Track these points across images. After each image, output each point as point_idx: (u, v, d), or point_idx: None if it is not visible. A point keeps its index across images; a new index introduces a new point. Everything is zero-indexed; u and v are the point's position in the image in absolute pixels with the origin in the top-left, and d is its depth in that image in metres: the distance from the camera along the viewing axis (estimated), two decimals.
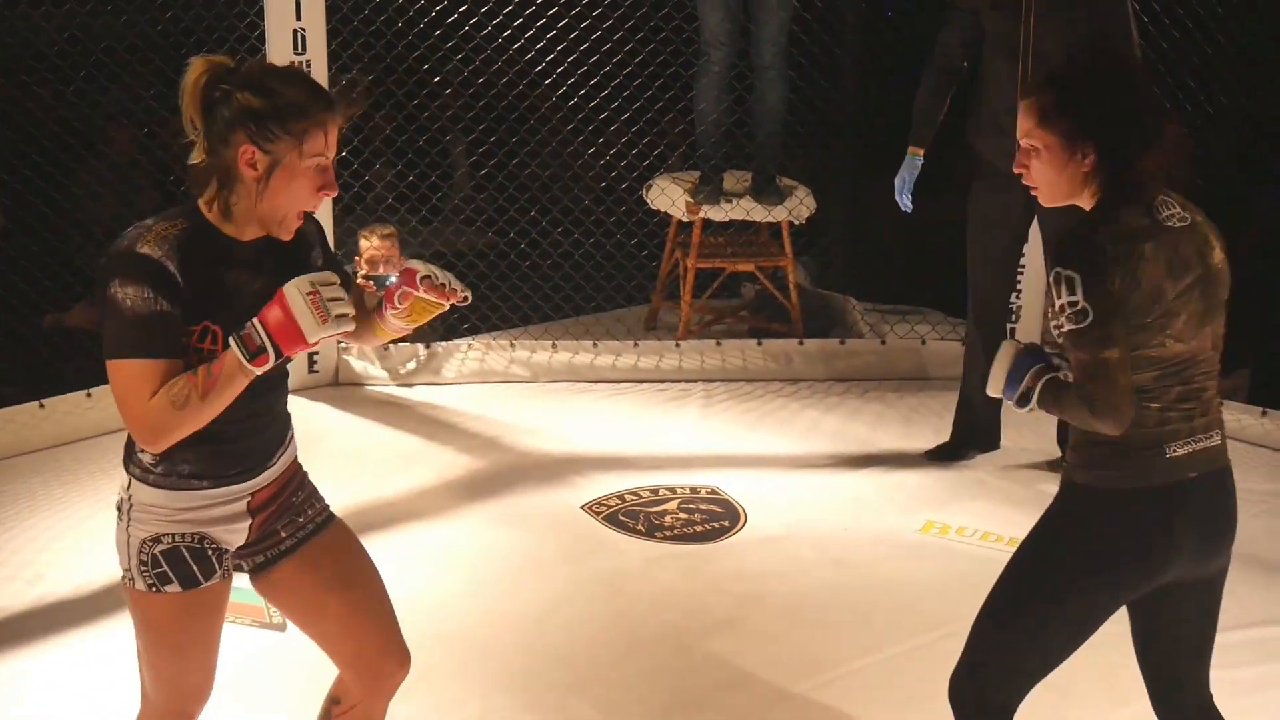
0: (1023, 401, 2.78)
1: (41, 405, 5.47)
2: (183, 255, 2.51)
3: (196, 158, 2.61)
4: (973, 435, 5.53)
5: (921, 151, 5.30)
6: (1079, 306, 2.61)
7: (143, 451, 2.63)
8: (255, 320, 2.47)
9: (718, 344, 6.43)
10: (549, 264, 6.71)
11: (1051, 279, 2.66)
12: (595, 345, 6.39)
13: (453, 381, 6.21)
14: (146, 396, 2.47)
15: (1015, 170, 2.85)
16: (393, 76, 6.52)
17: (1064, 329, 2.66)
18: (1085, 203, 2.79)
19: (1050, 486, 5.17)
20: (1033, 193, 2.85)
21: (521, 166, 6.85)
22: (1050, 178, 2.79)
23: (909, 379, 6.35)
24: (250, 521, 2.79)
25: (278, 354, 2.48)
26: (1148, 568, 2.79)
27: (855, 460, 5.53)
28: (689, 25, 6.43)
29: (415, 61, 6.47)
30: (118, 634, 4.15)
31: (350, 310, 2.52)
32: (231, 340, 2.47)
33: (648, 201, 6.73)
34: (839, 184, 7.88)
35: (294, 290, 2.47)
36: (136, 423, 2.51)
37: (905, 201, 5.35)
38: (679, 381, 6.34)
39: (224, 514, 2.74)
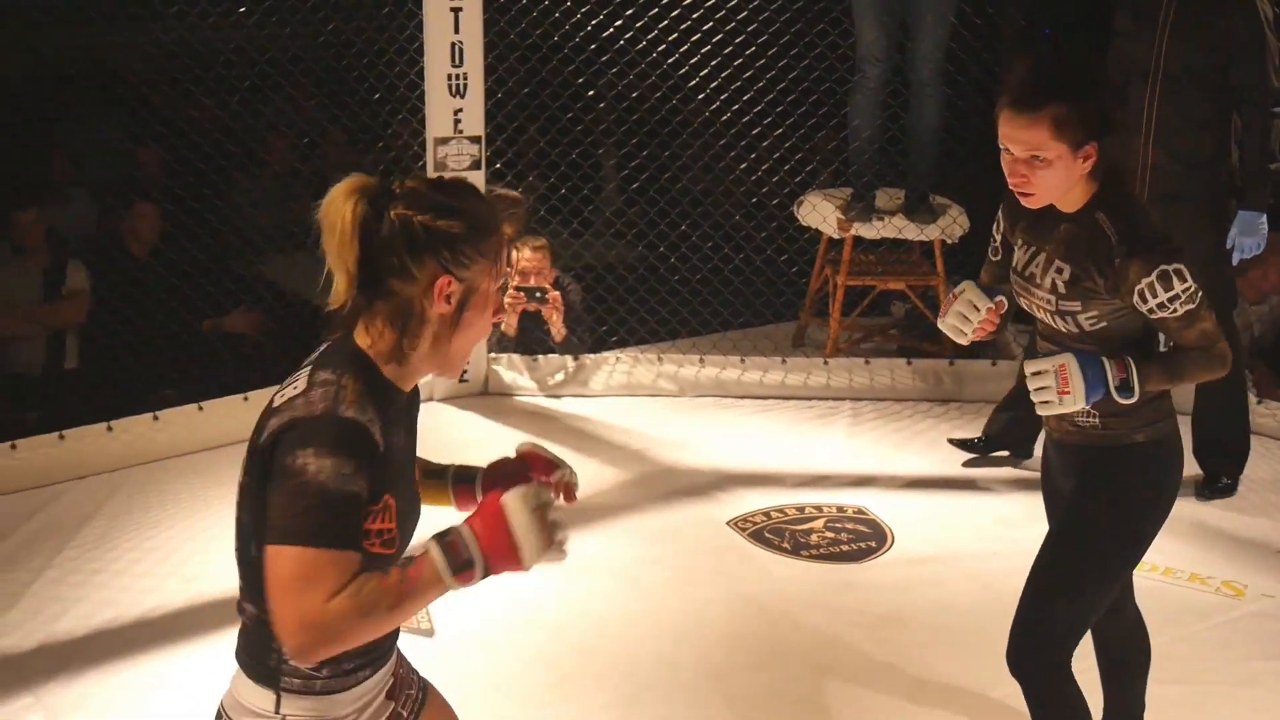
0: (1124, 393, 2.89)
1: (200, 408, 5.59)
2: (382, 418, 2.14)
3: (341, 300, 2.18)
4: (1012, 437, 5.51)
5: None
6: (1191, 289, 2.85)
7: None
8: (463, 528, 2.11)
9: (866, 362, 6.37)
10: (698, 278, 6.71)
11: (1157, 276, 2.83)
12: (743, 361, 6.37)
13: (600, 394, 6.24)
14: (324, 597, 2.02)
15: (1014, 185, 2.93)
16: (546, 90, 6.57)
17: (1176, 313, 2.86)
18: (1073, 201, 2.95)
19: (1195, 508, 5.12)
20: (1026, 201, 2.95)
21: (672, 180, 6.86)
22: (1057, 184, 2.91)
23: None
24: (392, 706, 2.41)
25: (486, 573, 2.11)
26: (1174, 499, 3.12)
27: (1005, 482, 5.44)
28: (844, 41, 6.39)
29: (569, 74, 6.52)
30: None
31: (569, 536, 2.19)
32: (434, 548, 2.08)
33: (799, 218, 6.70)
34: (993, 203, 7.77)
35: (519, 505, 2.11)
36: (304, 628, 2.02)
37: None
38: (826, 399, 6.29)
39: (378, 705, 2.36)
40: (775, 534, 4.96)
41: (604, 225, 7.24)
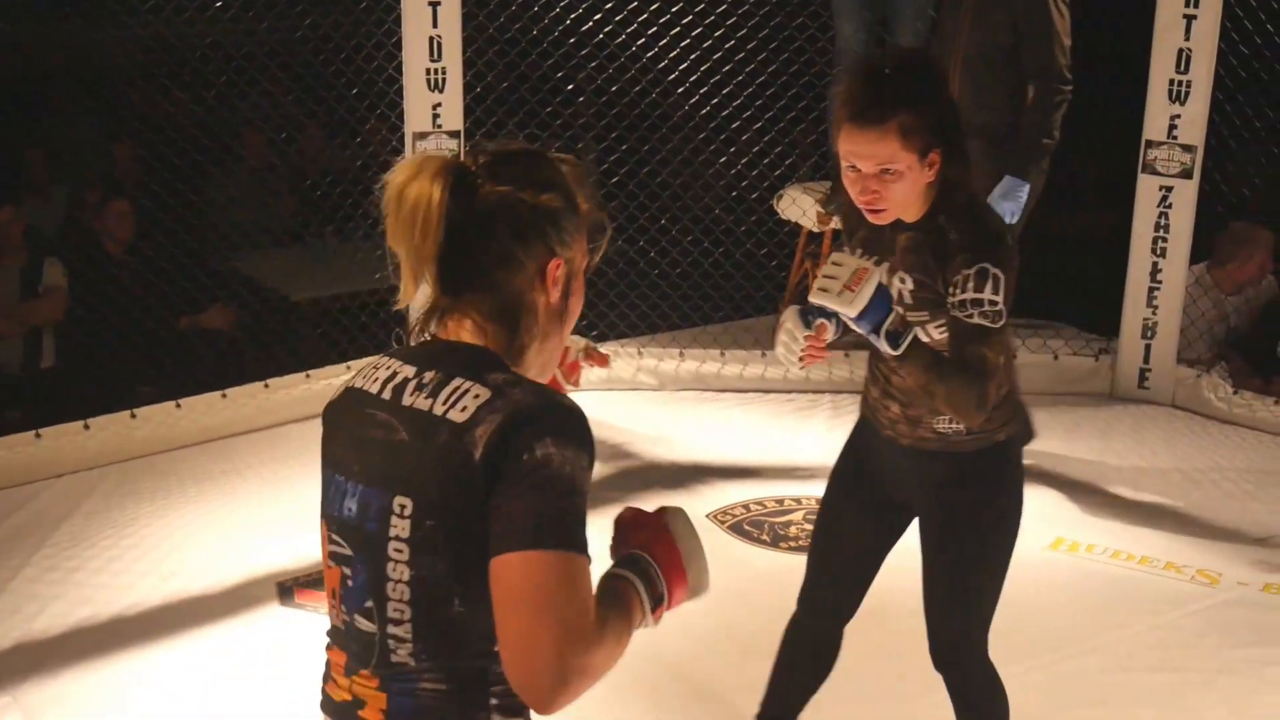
0: (892, 340, 2.73)
1: (178, 405, 5.57)
2: None
3: (412, 296, 1.91)
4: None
5: None
6: (998, 308, 2.74)
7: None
8: (647, 557, 1.94)
9: (846, 355, 6.37)
10: (678, 272, 6.70)
11: (975, 271, 2.73)
12: (723, 354, 6.37)
13: (580, 389, 6.22)
14: (588, 612, 1.75)
15: (866, 202, 2.79)
16: (525, 84, 6.56)
17: (971, 319, 2.75)
18: (915, 210, 2.83)
19: (1172, 497, 5.14)
20: (877, 218, 2.82)
21: (652, 174, 6.85)
22: (907, 195, 2.80)
23: (1041, 393, 6.24)
24: None
25: (661, 607, 1.93)
26: None
27: None
28: (824, 34, 6.39)
29: (547, 68, 6.50)
30: (248, 630, 4.23)
31: None
32: (637, 581, 1.91)
33: (778, 211, 6.70)
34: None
35: (688, 529, 1.94)
36: (568, 651, 1.71)
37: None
38: (806, 392, 6.29)
39: None
40: (755, 526, 4.96)
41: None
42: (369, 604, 1.85)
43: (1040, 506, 5.15)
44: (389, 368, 1.91)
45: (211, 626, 4.25)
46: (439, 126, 5.87)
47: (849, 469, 3.22)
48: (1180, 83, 5.88)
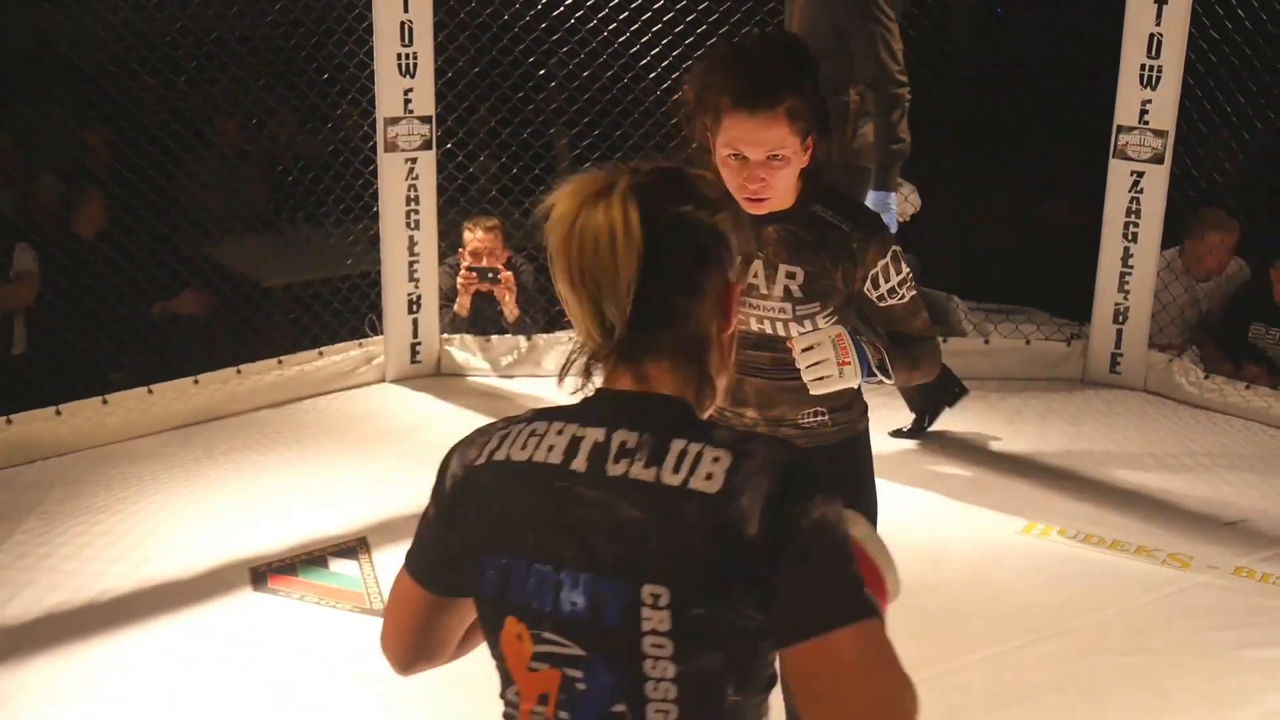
0: (884, 371, 2.76)
1: (150, 391, 5.55)
2: None
3: (594, 338, 1.68)
4: (934, 406, 5.57)
5: None
6: (909, 275, 2.79)
7: None
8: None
9: None
10: None
11: (890, 258, 2.74)
12: None
13: (553, 374, 6.15)
14: (903, 673, 1.60)
15: (753, 191, 2.67)
16: (497, 69, 6.54)
17: (904, 300, 2.79)
18: (785, 199, 2.75)
19: (1143, 481, 5.17)
20: (758, 208, 2.71)
21: (624, 160, 6.83)
22: (789, 182, 2.72)
23: (1012, 379, 6.27)
24: None
25: None
26: None
27: (956, 459, 5.47)
28: None
29: (519, 54, 6.49)
30: (220, 616, 4.22)
31: None
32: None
33: None
34: (944, 182, 7.80)
35: (873, 536, 1.76)
36: (914, 698, 1.59)
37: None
38: None
39: None
40: None
41: None
42: (619, 708, 1.61)
43: (1012, 491, 5.19)
44: (561, 431, 1.67)
45: (184, 612, 4.23)
46: (410, 112, 5.85)
47: None
48: (1151, 68, 5.90)
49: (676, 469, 1.59)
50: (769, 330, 2.82)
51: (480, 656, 4.01)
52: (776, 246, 2.78)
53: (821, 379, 2.68)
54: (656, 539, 1.57)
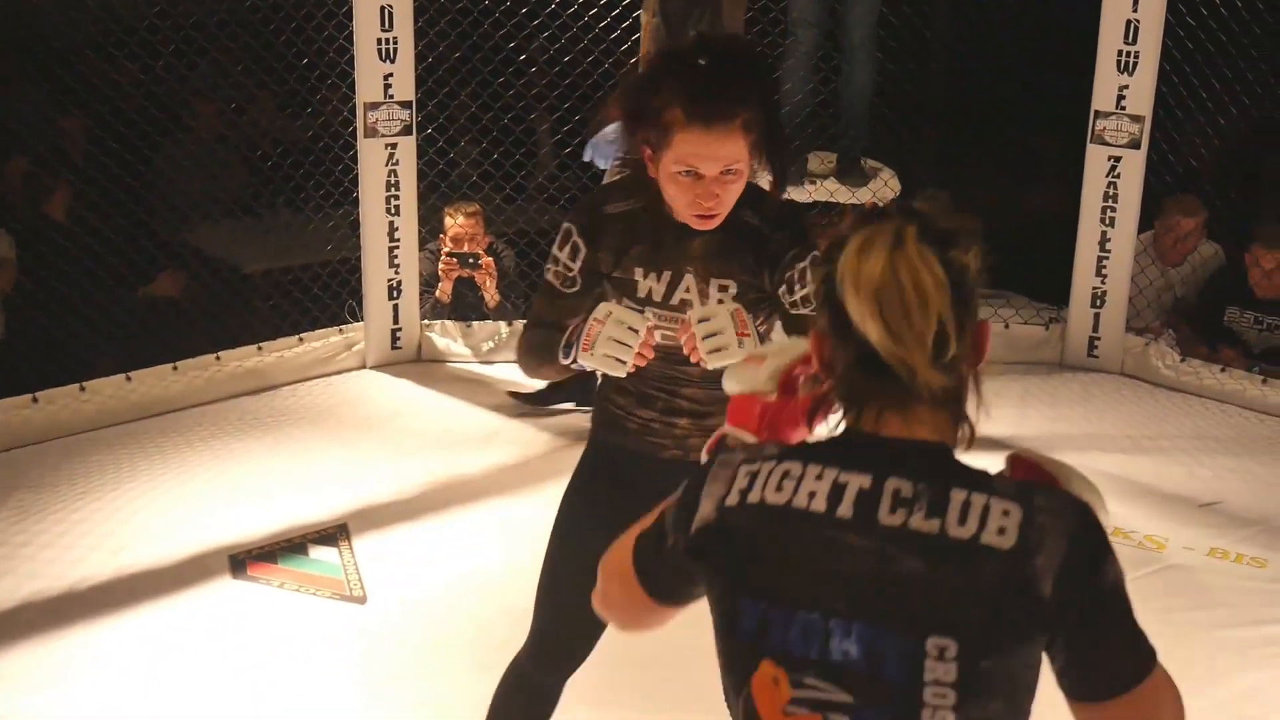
0: None
1: (128, 378, 5.54)
2: None
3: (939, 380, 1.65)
4: (578, 385, 5.55)
5: None
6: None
7: None
8: None
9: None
10: None
11: (809, 262, 2.51)
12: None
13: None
14: None
15: (708, 209, 2.53)
16: (478, 54, 6.53)
17: (809, 312, 2.43)
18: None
19: (1121, 464, 5.20)
20: (708, 224, 2.57)
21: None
22: (736, 196, 2.58)
23: (993, 362, 6.22)
24: None
25: None
26: None
27: None
28: (776, 5, 6.39)
29: (500, 38, 6.47)
30: (199, 603, 4.22)
31: None
32: None
33: None
34: (924, 167, 7.82)
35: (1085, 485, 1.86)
36: None
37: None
38: None
39: None
40: None
41: (537, 191, 7.22)
42: None
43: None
44: (820, 476, 1.65)
45: (163, 600, 4.23)
46: (390, 97, 5.85)
47: (597, 509, 2.79)
48: (1129, 53, 5.92)
49: (963, 521, 1.59)
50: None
51: (456, 647, 3.99)
52: (706, 260, 2.67)
53: (718, 350, 2.51)
54: (946, 592, 1.58)
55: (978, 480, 1.63)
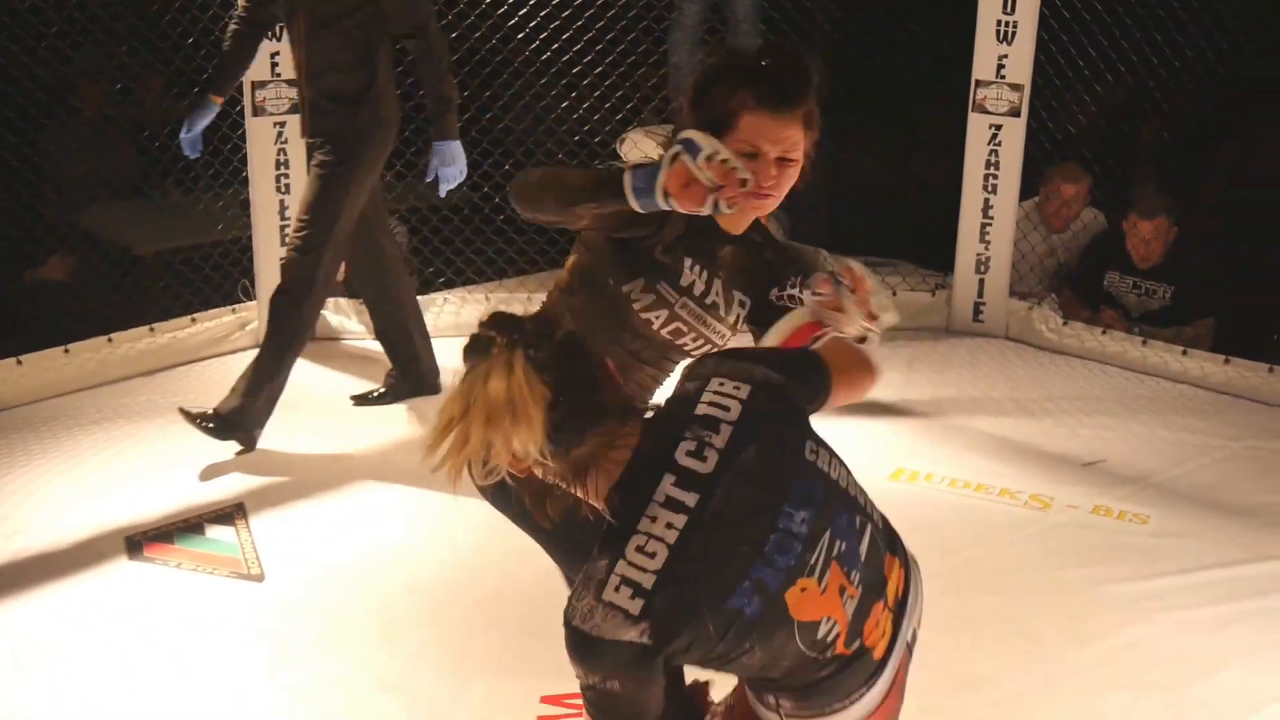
0: None
1: (19, 362, 5.48)
2: None
3: None
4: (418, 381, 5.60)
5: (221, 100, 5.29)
6: None
7: None
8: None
9: None
10: (524, 218, 6.70)
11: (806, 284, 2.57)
12: None
13: (430, 335, 6.23)
14: None
15: (768, 187, 2.58)
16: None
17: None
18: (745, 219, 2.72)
19: (1004, 426, 5.33)
20: (759, 206, 2.64)
21: (495, 121, 6.84)
22: (788, 186, 2.66)
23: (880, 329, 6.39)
24: None
25: None
26: None
27: (899, 416, 5.59)
28: None
29: None
30: (96, 585, 4.21)
31: None
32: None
33: (622, 155, 6.73)
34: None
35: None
36: None
37: (192, 147, 5.29)
38: None
39: None
40: None
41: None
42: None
43: (880, 437, 5.31)
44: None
45: (59, 583, 4.20)
46: (277, 75, 5.83)
47: None
48: (1007, 23, 6.04)
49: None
50: (695, 348, 2.75)
51: (356, 622, 4.00)
52: (733, 271, 2.74)
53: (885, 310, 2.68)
54: None
55: None
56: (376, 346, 6.12)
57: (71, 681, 3.71)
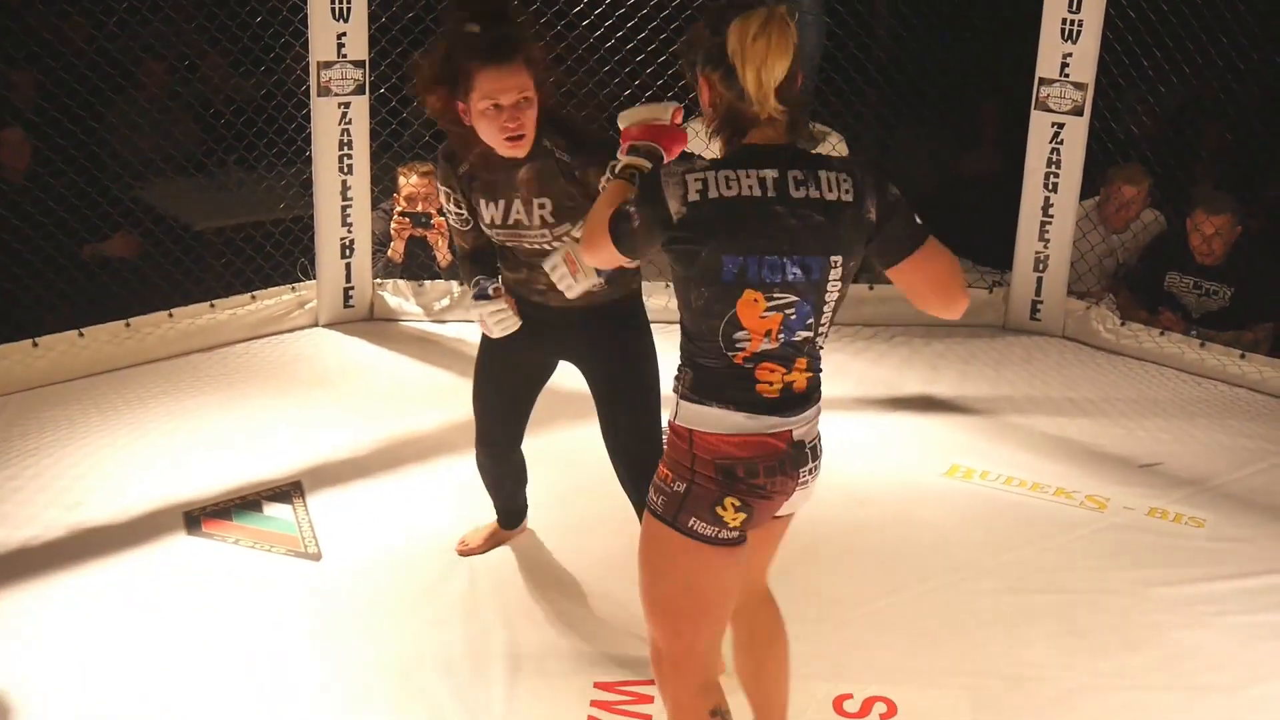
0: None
1: (81, 334, 5.54)
2: None
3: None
4: None
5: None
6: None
7: None
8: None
9: None
10: None
11: (609, 171, 3.02)
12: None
13: None
14: None
15: (513, 130, 3.34)
16: (432, 15, 6.53)
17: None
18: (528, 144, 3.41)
19: (1063, 426, 5.31)
20: (517, 148, 3.39)
21: (556, 106, 6.84)
22: (534, 122, 3.38)
23: (936, 325, 6.38)
24: None
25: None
26: None
27: (882, 404, 5.59)
28: None
29: None
30: (154, 559, 4.25)
31: None
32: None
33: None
34: (870, 131, 7.89)
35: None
36: None
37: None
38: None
39: None
40: None
41: None
42: (809, 321, 2.68)
43: (937, 434, 5.31)
44: (749, 175, 2.60)
45: (119, 556, 4.25)
46: (344, 56, 5.86)
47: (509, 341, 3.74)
48: (1072, 21, 6.00)
49: (831, 189, 2.61)
50: (531, 248, 3.55)
51: (411, 603, 4.03)
52: (529, 184, 3.46)
53: (568, 286, 3.30)
54: (832, 230, 2.61)
55: (824, 163, 2.63)
56: (433, 327, 6.17)
57: (128, 654, 3.76)
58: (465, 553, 4.29)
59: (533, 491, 4.35)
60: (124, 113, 6.76)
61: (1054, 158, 6.19)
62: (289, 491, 4.68)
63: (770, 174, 2.58)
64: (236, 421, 5.19)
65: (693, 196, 2.57)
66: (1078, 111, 6.09)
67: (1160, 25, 6.07)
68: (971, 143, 7.85)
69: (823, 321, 2.70)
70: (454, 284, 6.28)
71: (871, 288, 6.45)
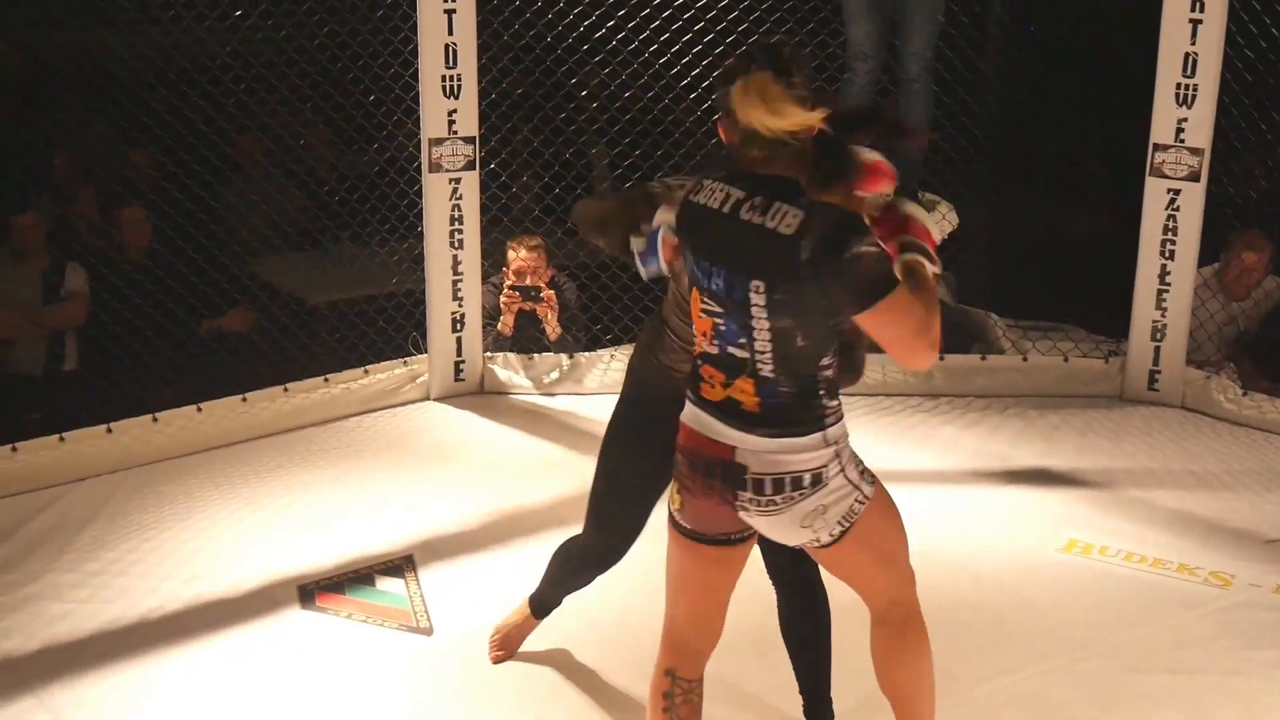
0: None
1: (199, 409, 5.63)
2: None
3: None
4: None
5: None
6: None
7: None
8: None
9: None
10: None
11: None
12: None
13: (595, 391, 6.27)
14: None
15: None
16: (539, 90, 6.61)
17: None
18: None
19: (1183, 499, 5.19)
20: None
21: (664, 178, 6.88)
22: None
23: (1050, 396, 6.30)
24: None
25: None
26: None
27: (996, 477, 5.50)
28: (834, 40, 6.43)
29: (561, 74, 6.55)
30: (269, 633, 4.28)
31: None
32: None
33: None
34: (979, 199, 7.83)
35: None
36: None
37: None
38: None
39: None
40: None
41: None
42: (742, 340, 2.88)
43: (1053, 508, 5.22)
44: (721, 190, 2.89)
45: (233, 629, 4.30)
46: (454, 132, 5.93)
47: (647, 430, 3.61)
48: (1187, 86, 5.93)
49: (775, 219, 2.77)
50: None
51: (521, 678, 4.01)
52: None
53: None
54: (761, 255, 2.79)
55: (789, 197, 2.79)
56: (543, 400, 6.19)
57: None
58: (501, 659, 4.14)
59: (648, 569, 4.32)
60: (241, 190, 6.89)
61: (1170, 224, 6.10)
62: (401, 565, 4.70)
63: (737, 194, 2.84)
64: (350, 495, 5.23)
65: (687, 197, 2.98)
66: (1194, 177, 6.00)
67: (1278, 88, 5.98)
68: (1082, 208, 7.76)
69: (759, 350, 2.86)
70: (563, 357, 6.30)
71: (984, 358, 6.39)
